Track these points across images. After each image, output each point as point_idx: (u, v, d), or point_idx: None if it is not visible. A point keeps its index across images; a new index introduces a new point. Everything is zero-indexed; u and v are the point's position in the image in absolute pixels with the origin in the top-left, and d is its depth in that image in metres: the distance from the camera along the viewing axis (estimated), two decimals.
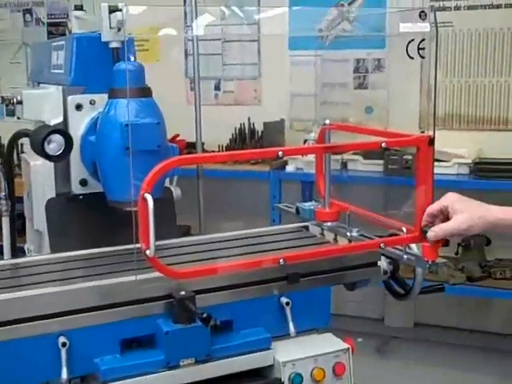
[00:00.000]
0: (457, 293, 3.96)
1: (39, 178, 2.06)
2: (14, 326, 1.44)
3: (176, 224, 2.20)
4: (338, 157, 4.05)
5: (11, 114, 2.17)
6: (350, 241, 1.85)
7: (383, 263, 1.82)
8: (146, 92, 1.87)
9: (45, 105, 2.05)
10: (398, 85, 4.52)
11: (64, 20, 5.46)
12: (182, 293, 1.52)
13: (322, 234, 1.99)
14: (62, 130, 1.92)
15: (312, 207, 2.03)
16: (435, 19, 1.60)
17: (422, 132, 1.67)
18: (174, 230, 2.12)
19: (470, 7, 4.33)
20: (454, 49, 4.36)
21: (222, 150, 4.73)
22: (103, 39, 2.03)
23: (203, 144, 3.55)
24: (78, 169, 2.01)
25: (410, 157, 3.83)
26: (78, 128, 2.00)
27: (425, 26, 1.58)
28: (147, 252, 1.39)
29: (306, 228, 2.06)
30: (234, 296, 1.62)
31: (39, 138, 1.86)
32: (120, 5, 1.98)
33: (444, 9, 4.39)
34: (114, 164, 1.84)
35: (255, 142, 4.70)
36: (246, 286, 1.64)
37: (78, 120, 2.00)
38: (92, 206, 2.02)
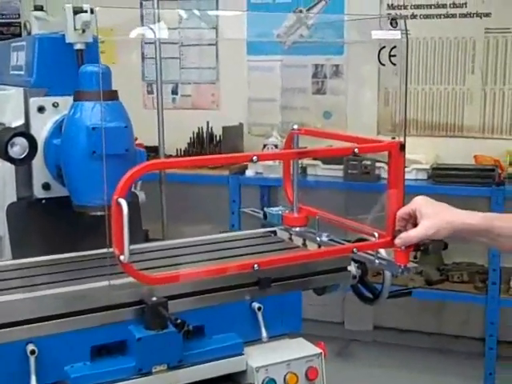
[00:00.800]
0: (416, 296, 4.02)
1: None
2: None
3: (142, 228, 2.17)
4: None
5: None
6: (319, 246, 1.85)
7: (352, 268, 1.82)
8: (112, 95, 1.84)
9: (4, 106, 2.00)
10: (356, 90, 4.57)
11: (15, 20, 5.36)
12: (154, 299, 1.50)
13: (291, 238, 1.99)
14: (26, 132, 1.88)
15: (280, 212, 2.02)
16: (405, 27, 1.62)
17: (393, 138, 1.69)
18: (140, 235, 2.10)
19: (426, 16, 4.41)
20: (410, 56, 4.43)
21: (181, 155, 4.71)
22: (67, 41, 1.99)
23: None
24: (40, 172, 1.97)
25: (369, 162, 3.87)
26: (40, 131, 1.96)
27: (396, 34, 1.60)
28: (121, 257, 1.36)
29: (274, 233, 2.05)
30: (206, 301, 1.61)
31: (2, 140, 1.81)
32: (85, 6, 1.96)
33: (401, 17, 4.46)
34: (81, 168, 1.80)
35: (214, 147, 4.70)
36: (218, 291, 1.62)
37: (40, 123, 1.96)
38: (55, 210, 1.98)
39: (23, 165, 1.89)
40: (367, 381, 3.99)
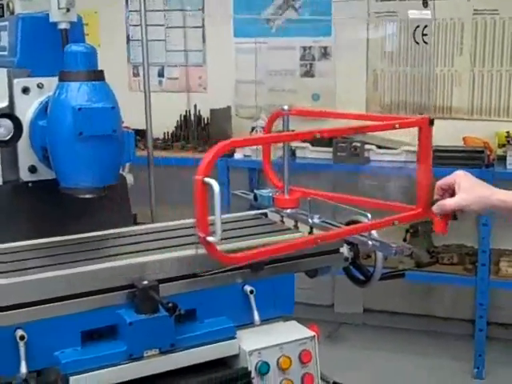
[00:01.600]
0: (406, 279, 4.00)
1: None
2: None
3: (130, 210, 2.14)
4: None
5: None
6: (311, 228, 1.82)
7: (345, 250, 1.80)
8: (98, 75, 1.80)
9: None
10: (344, 72, 4.54)
11: None
12: (145, 282, 1.47)
13: (282, 220, 1.97)
14: (12, 114, 1.84)
15: (271, 194, 2.00)
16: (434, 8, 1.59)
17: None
18: (129, 217, 2.07)
19: None
20: (399, 38, 4.40)
21: (168, 138, 4.67)
22: (51, 20, 1.96)
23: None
24: (26, 155, 1.94)
25: (358, 144, 3.85)
26: (25, 112, 1.93)
27: (427, 14, 1.58)
28: (210, 238, 1.39)
29: (265, 215, 2.03)
30: (197, 285, 1.58)
31: None
32: None
33: None
34: (67, 149, 1.77)
35: (201, 129, 4.66)
36: (209, 274, 1.59)
37: (25, 104, 1.93)
38: (42, 193, 1.95)
39: (8, 147, 1.87)
40: (357, 363, 3.99)
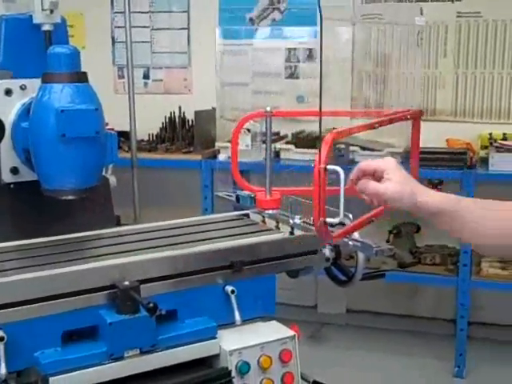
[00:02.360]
0: (388, 279, 4.03)
1: None
2: None
3: (113, 212, 2.15)
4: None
5: None
6: (292, 228, 1.84)
7: (326, 250, 1.81)
8: (82, 77, 1.81)
9: None
10: (329, 74, 4.55)
11: None
12: (126, 283, 1.48)
13: (264, 221, 1.98)
14: None
15: (252, 195, 2.02)
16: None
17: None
18: (112, 218, 2.07)
19: (399, 0, 4.40)
20: (383, 41, 4.42)
21: (153, 139, 4.67)
22: (35, 21, 1.96)
23: None
24: (8, 156, 1.94)
25: (343, 146, 3.87)
26: (8, 114, 1.92)
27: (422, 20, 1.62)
28: (330, 220, 1.43)
29: (247, 216, 2.04)
30: (178, 285, 1.59)
31: None
32: None
33: (374, 1, 4.45)
34: (50, 151, 1.77)
35: (186, 131, 4.66)
36: (190, 274, 1.60)
37: (7, 105, 1.92)
38: (24, 195, 1.95)
39: None
40: (340, 364, 4.01)
